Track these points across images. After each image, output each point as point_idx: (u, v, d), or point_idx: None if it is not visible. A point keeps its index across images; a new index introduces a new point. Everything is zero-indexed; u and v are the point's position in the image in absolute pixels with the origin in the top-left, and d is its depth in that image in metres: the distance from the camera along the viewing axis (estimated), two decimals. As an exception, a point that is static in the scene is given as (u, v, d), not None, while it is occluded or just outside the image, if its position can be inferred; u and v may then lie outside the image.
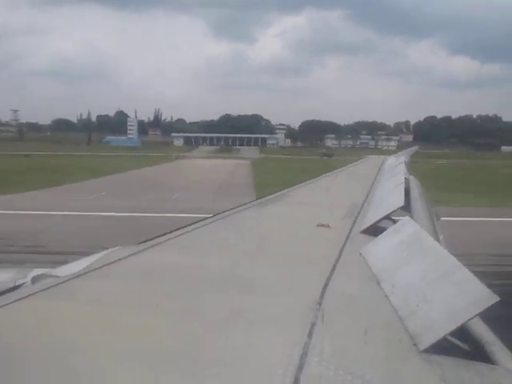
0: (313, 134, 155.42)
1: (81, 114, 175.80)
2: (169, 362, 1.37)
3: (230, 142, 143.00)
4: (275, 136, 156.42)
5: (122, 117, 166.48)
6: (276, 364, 1.35)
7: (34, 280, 2.31)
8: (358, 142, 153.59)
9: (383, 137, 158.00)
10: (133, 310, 1.76)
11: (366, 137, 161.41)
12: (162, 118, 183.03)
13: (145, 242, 2.83)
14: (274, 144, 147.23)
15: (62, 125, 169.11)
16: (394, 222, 3.21)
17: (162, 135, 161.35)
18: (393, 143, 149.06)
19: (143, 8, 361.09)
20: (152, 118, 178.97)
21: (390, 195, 4.58)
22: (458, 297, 1.64)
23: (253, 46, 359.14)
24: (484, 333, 1.74)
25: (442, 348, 1.52)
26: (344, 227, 3.52)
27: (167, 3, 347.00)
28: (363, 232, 3.32)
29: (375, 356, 1.47)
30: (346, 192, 6.28)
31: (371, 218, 3.61)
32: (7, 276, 2.44)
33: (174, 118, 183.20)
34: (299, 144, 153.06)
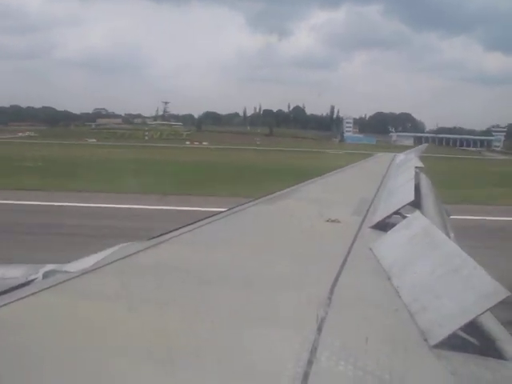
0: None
1: (245, 108, 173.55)
2: (179, 359, 1.37)
3: (454, 143, 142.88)
4: (499, 138, 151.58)
5: (299, 111, 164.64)
6: (285, 359, 1.35)
7: (46, 275, 2.33)
8: None
9: None
10: (144, 306, 1.77)
11: None
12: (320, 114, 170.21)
13: (156, 237, 2.84)
14: (498, 146, 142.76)
15: (210, 118, 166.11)
16: (404, 217, 3.20)
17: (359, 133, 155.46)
18: None
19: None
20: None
21: (400, 190, 4.56)
22: (468, 292, 1.62)
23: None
24: (495, 328, 1.72)
25: (453, 343, 1.51)
26: None
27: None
28: (373, 227, 3.31)
29: (385, 351, 1.47)
30: None
31: (381, 213, 3.60)
32: (19, 272, 2.46)
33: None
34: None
